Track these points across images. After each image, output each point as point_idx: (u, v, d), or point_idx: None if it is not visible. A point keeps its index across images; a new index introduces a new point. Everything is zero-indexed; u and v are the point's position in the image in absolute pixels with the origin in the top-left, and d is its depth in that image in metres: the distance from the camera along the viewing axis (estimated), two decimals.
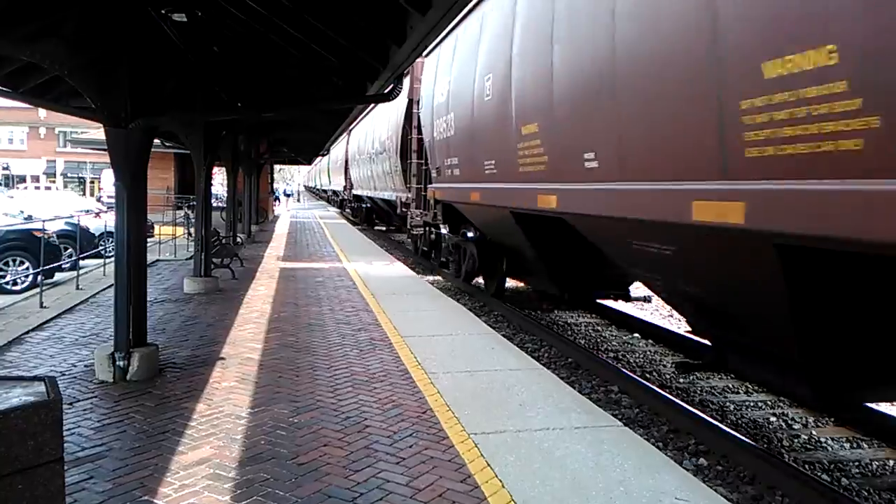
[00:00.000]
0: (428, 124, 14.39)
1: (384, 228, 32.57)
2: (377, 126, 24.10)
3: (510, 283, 13.67)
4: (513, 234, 10.28)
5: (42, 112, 52.98)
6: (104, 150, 6.68)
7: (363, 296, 10.67)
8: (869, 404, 6.68)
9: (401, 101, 18.53)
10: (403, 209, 19.40)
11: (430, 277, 16.07)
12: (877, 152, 3.74)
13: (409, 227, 18.32)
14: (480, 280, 13.99)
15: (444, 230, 15.11)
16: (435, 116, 13.57)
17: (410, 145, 17.19)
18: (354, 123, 27.33)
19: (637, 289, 10.90)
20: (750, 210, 4.68)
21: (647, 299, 11.09)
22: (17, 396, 2.64)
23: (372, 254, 17.65)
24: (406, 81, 17.58)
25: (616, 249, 7.63)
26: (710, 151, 5.06)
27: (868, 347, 5.28)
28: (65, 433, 2.92)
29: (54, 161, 57.02)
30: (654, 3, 5.80)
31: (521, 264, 11.60)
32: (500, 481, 3.99)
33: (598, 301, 11.92)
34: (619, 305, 11.61)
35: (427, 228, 16.81)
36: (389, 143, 20.85)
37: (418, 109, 16.16)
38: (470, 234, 13.20)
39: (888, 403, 7.02)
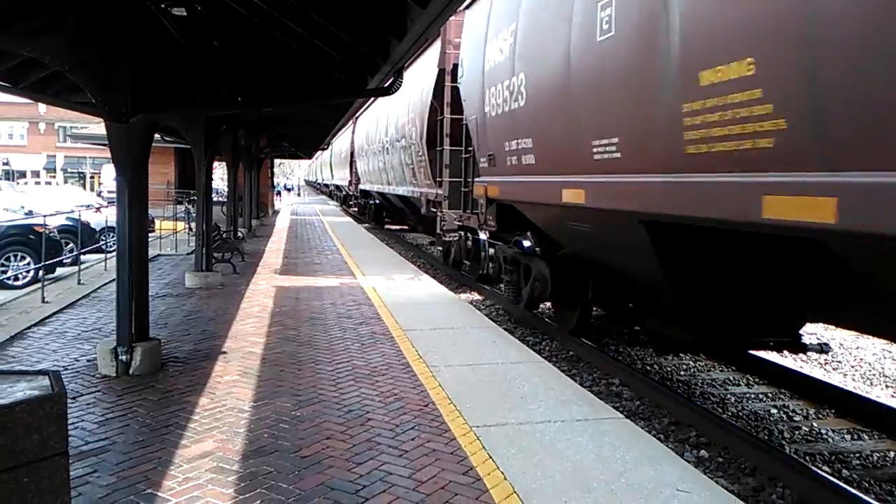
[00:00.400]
0: (475, 96, 10.71)
1: (395, 228, 29.17)
2: (392, 110, 20.14)
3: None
4: (631, 253, 6.82)
5: (42, 107, 52.91)
6: (104, 145, 6.69)
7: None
8: None
9: (427, 75, 15.32)
10: (432, 209, 16.00)
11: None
12: None
13: (439, 231, 15.04)
14: (545, 304, 10.94)
15: (482, 235, 12.27)
16: (487, 84, 9.97)
17: (442, 128, 13.88)
18: (359, 113, 26.64)
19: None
20: None
21: (824, 349, 7.27)
22: (21, 390, 2.65)
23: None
24: (435, 46, 14.89)
25: None
26: None
27: None
28: (69, 427, 2.94)
29: (54, 156, 57.04)
30: None
31: (619, 292, 8.45)
32: (502, 473, 4.01)
33: (752, 352, 7.99)
34: (781, 358, 8.39)
35: (465, 234, 13.58)
36: (411, 127, 17.07)
37: (455, 81, 12.64)
38: (526, 244, 9.76)
39: None
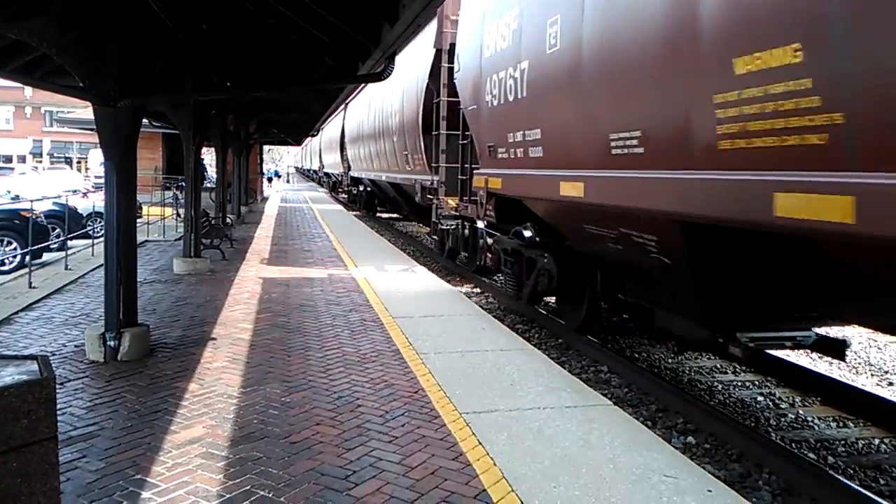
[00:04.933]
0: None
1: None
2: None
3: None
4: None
5: (28, 91, 52.26)
6: (91, 129, 6.63)
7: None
8: None
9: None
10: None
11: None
12: None
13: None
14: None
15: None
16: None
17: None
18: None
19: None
20: None
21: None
22: (9, 375, 2.63)
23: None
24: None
25: None
26: None
27: None
28: (57, 412, 2.92)
29: (41, 141, 56.39)
30: None
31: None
32: (492, 459, 4.03)
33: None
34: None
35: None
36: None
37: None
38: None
39: None
